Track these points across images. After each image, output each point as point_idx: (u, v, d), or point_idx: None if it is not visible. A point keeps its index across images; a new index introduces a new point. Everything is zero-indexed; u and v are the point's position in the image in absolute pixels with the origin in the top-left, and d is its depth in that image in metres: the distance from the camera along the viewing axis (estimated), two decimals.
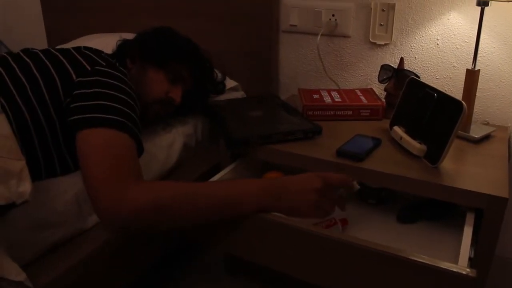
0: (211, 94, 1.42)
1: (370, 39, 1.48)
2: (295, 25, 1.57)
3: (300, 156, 1.10)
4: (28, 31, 2.29)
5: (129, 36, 1.34)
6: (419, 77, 1.27)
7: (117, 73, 1.03)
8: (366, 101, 1.34)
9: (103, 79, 1.00)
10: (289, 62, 1.65)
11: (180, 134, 1.32)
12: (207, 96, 1.41)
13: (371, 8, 1.45)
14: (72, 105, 0.96)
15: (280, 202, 0.91)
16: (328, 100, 1.34)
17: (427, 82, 1.38)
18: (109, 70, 1.03)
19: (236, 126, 1.19)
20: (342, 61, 1.55)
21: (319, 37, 1.51)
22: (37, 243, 0.91)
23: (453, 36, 1.37)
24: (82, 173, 0.88)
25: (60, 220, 0.95)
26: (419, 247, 0.99)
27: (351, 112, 1.32)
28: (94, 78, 1.00)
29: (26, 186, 0.80)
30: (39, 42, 2.23)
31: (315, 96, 1.37)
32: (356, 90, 1.43)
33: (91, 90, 0.97)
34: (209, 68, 1.37)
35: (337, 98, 1.35)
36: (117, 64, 1.10)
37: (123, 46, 1.30)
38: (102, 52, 1.17)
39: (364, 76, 1.53)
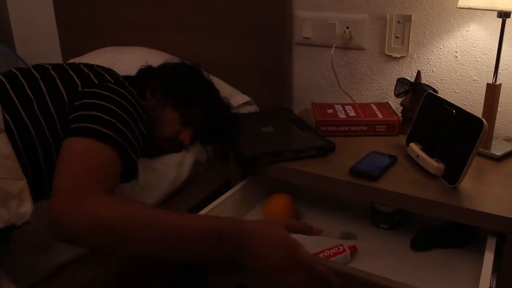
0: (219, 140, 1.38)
1: (386, 52, 1.44)
2: (309, 38, 1.54)
3: (312, 175, 1.06)
4: (44, 45, 2.32)
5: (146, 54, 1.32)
6: (437, 92, 1.23)
7: (122, 91, 1.01)
8: (381, 116, 1.29)
9: (106, 93, 0.98)
10: (303, 75, 1.62)
11: (190, 151, 1.30)
12: (215, 140, 1.38)
13: (387, 20, 1.41)
14: (71, 116, 0.94)
15: (244, 253, 0.79)
16: (342, 115, 1.30)
17: (445, 96, 1.35)
18: (115, 87, 1.00)
19: (246, 142, 1.16)
20: (356, 74, 1.51)
21: (333, 49, 1.47)
22: (44, 263, 0.89)
23: (472, 48, 1.32)
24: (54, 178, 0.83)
25: None
26: (435, 276, 0.94)
27: (366, 128, 1.28)
28: (98, 90, 0.98)
29: (26, 207, 0.78)
30: (54, 56, 2.25)
31: (329, 110, 1.33)
32: (371, 104, 1.39)
33: (92, 101, 0.95)
34: (225, 116, 1.33)
35: (352, 113, 1.31)
36: (129, 84, 1.08)
37: (146, 73, 1.30)
38: (114, 71, 1.15)
39: (380, 89, 1.49)
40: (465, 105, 1.37)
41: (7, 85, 0.97)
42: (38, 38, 2.35)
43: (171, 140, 1.24)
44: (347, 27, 1.47)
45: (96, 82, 1.01)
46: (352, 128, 1.28)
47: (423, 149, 1.09)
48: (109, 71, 1.10)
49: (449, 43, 1.35)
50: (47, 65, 1.08)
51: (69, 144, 0.88)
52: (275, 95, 1.62)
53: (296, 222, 0.89)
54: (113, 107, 0.95)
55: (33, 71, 1.03)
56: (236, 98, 1.53)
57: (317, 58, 1.57)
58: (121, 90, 1.01)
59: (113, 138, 0.90)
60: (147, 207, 0.83)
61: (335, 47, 1.49)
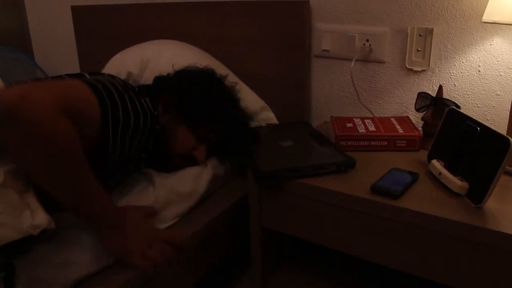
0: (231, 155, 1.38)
1: (407, 65, 1.42)
2: (328, 50, 1.53)
3: (332, 192, 1.04)
4: (62, 54, 2.34)
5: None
6: (459, 107, 1.20)
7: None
8: (402, 131, 1.27)
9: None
10: (321, 87, 1.60)
11: (208, 165, 1.29)
12: (229, 155, 1.37)
13: (408, 33, 1.39)
14: None
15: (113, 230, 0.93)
16: (362, 129, 1.28)
17: (467, 111, 1.33)
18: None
19: (265, 157, 1.14)
20: (376, 88, 1.49)
21: (353, 62, 1.46)
22: (60, 280, 0.89)
23: (496, 62, 1.30)
24: None
25: (83, 257, 0.93)
26: None
27: (386, 143, 1.26)
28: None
29: (41, 217, 0.80)
30: (72, 65, 2.28)
31: (349, 124, 1.31)
32: (391, 118, 1.37)
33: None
34: (240, 131, 1.31)
35: (372, 128, 1.29)
36: (142, 93, 1.11)
37: (160, 83, 1.31)
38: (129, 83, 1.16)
39: (400, 103, 1.47)
40: (488, 120, 1.34)
41: None
42: (57, 48, 2.38)
43: (186, 156, 1.24)
44: (367, 40, 1.45)
45: None
46: (372, 143, 1.26)
47: (445, 167, 1.06)
48: (124, 81, 1.14)
49: (472, 57, 1.33)
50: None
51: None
52: (294, 107, 1.60)
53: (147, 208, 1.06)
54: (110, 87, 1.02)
55: None
56: (259, 104, 1.55)
57: (336, 71, 1.55)
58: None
59: (99, 90, 0.97)
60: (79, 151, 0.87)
61: (355, 60, 1.47)
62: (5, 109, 0.78)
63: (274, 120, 1.56)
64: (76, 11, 2.14)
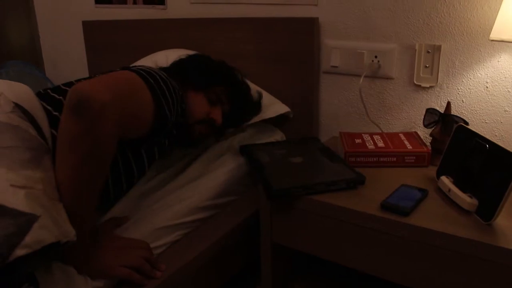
0: (249, 115, 1.48)
1: (415, 82, 1.43)
2: (337, 66, 1.55)
3: (343, 209, 1.05)
4: (72, 68, 2.38)
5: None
6: (467, 123, 1.21)
7: (161, 72, 1.13)
8: (410, 147, 1.28)
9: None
10: (330, 103, 1.62)
11: (223, 167, 1.32)
12: (245, 117, 1.47)
13: (416, 50, 1.41)
14: None
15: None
16: (371, 145, 1.29)
17: (475, 127, 1.34)
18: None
19: (276, 174, 1.15)
20: (385, 104, 1.51)
21: (361, 79, 1.48)
22: None
23: (504, 79, 1.31)
24: None
25: None
26: None
27: (395, 159, 1.27)
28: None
29: (70, 227, 0.82)
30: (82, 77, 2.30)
31: (357, 140, 1.33)
32: (399, 134, 1.38)
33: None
34: (245, 89, 1.41)
35: (380, 144, 1.30)
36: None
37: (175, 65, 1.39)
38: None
39: (408, 119, 1.48)
40: (496, 136, 1.35)
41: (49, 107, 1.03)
42: (67, 61, 2.42)
43: (204, 122, 1.31)
44: (376, 56, 1.47)
45: None
46: (381, 159, 1.27)
47: (454, 183, 1.07)
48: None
49: (479, 73, 1.34)
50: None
51: (124, 71, 1.04)
52: (303, 122, 1.62)
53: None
54: (150, 71, 1.09)
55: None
56: (275, 108, 1.58)
57: (344, 87, 1.57)
58: (157, 71, 1.13)
59: (151, 82, 1.03)
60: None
61: (364, 76, 1.49)
62: (80, 100, 0.84)
63: (286, 109, 1.60)
64: (87, 26, 2.18)
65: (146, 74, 1.06)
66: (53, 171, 0.87)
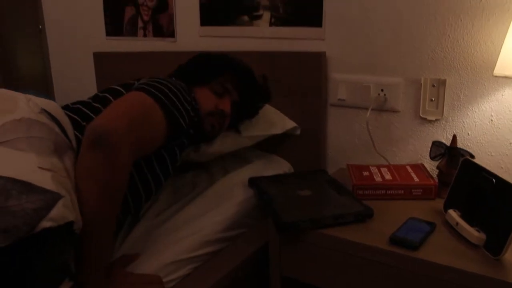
0: (259, 100, 1.52)
1: (421, 115, 1.46)
2: (344, 99, 1.58)
3: (351, 243, 1.06)
4: (82, 98, 2.41)
5: None
6: (473, 157, 1.23)
7: (170, 79, 1.21)
8: (417, 180, 1.30)
9: (155, 79, 1.20)
10: (337, 135, 1.64)
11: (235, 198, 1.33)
12: (256, 102, 1.52)
13: (421, 84, 1.43)
14: None
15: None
16: (378, 178, 1.31)
17: (481, 159, 1.36)
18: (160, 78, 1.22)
19: (285, 207, 1.17)
20: (391, 136, 1.53)
21: (368, 112, 1.50)
22: None
23: (508, 112, 1.33)
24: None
25: None
26: None
27: (402, 192, 1.28)
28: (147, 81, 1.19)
29: (79, 214, 0.87)
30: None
31: (365, 173, 1.34)
32: (406, 166, 1.40)
33: (146, 81, 1.17)
34: (250, 76, 1.45)
35: (388, 176, 1.32)
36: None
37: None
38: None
39: (415, 151, 1.50)
40: (502, 168, 1.37)
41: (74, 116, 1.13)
42: (78, 91, 2.46)
43: (213, 114, 1.36)
44: (382, 90, 1.50)
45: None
46: (389, 192, 1.28)
47: (462, 217, 1.08)
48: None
49: (484, 107, 1.37)
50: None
51: (134, 93, 1.10)
52: (311, 153, 1.64)
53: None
54: (158, 85, 1.15)
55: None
56: (283, 123, 1.61)
57: (351, 119, 1.60)
58: (167, 79, 1.21)
59: (160, 98, 1.10)
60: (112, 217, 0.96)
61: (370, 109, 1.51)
62: (97, 136, 0.93)
63: (293, 124, 1.63)
64: (98, 57, 2.23)
65: (155, 90, 1.12)
66: (73, 167, 0.95)
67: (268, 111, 1.62)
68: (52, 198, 0.79)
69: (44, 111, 0.98)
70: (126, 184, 0.98)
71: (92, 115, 1.14)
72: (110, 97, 1.21)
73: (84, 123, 1.10)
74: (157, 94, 1.11)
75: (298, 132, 1.66)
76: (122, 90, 1.24)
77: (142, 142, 1.04)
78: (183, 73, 1.41)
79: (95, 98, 1.23)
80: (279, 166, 1.59)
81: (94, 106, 1.17)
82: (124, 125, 0.96)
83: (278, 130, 1.58)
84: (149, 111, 1.08)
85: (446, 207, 1.15)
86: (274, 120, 1.60)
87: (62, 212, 0.80)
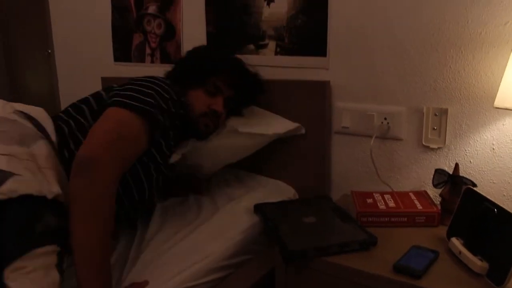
0: (254, 89, 1.58)
1: (423, 143, 1.48)
2: (347, 127, 1.61)
3: (356, 271, 1.08)
4: None
5: None
6: (475, 185, 1.25)
7: (149, 78, 1.29)
8: (421, 207, 1.32)
9: (132, 81, 1.28)
10: (341, 162, 1.67)
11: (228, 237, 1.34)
12: (251, 94, 1.58)
13: (423, 113, 1.46)
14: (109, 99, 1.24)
15: None
16: (382, 205, 1.33)
17: (483, 187, 1.38)
18: (141, 77, 1.31)
19: (290, 235, 1.19)
20: (394, 163, 1.56)
21: (372, 140, 1.53)
22: None
23: (509, 141, 1.36)
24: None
25: None
26: None
27: (406, 219, 1.30)
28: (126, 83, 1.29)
29: (56, 187, 0.99)
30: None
31: (369, 200, 1.37)
32: (409, 194, 1.42)
33: (123, 87, 1.26)
34: (242, 70, 1.53)
35: (391, 204, 1.34)
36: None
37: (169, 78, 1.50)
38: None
39: (417, 178, 1.53)
40: (504, 196, 1.39)
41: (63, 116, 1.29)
42: None
43: (207, 114, 1.43)
44: (385, 118, 1.53)
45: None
46: (392, 219, 1.30)
47: (465, 245, 1.10)
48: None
49: (485, 135, 1.39)
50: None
51: (110, 111, 1.17)
52: (315, 179, 1.67)
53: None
54: (139, 88, 1.24)
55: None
56: (285, 125, 1.63)
57: (355, 147, 1.62)
58: (147, 77, 1.30)
59: (142, 109, 1.17)
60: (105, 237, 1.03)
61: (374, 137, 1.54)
62: (83, 166, 1.04)
63: (296, 125, 1.65)
64: (106, 81, 2.27)
65: (129, 99, 1.19)
66: (48, 153, 1.07)
67: (270, 116, 1.66)
68: (3, 176, 0.91)
69: (20, 112, 1.14)
70: (114, 203, 1.07)
71: (78, 117, 1.27)
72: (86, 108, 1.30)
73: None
74: (131, 102, 1.18)
75: (303, 131, 1.66)
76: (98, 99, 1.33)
77: (127, 158, 1.16)
78: (178, 78, 1.47)
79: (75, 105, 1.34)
80: (284, 192, 1.61)
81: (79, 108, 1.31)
82: (108, 152, 1.07)
83: (279, 129, 1.59)
84: (128, 126, 1.17)
85: (449, 235, 1.17)
86: (275, 122, 1.63)
87: (13, 186, 0.91)
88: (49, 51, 2.81)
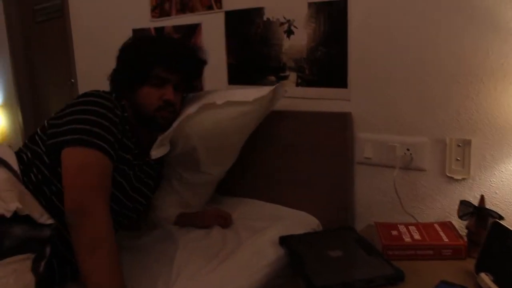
0: (198, 65, 1.54)
1: (447, 173, 1.48)
2: (370, 158, 1.61)
3: None
4: None
5: None
6: (502, 218, 1.24)
7: (88, 98, 1.33)
8: (447, 240, 1.31)
9: (70, 109, 1.29)
10: (364, 192, 1.67)
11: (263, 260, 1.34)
12: (196, 70, 1.54)
13: (446, 144, 1.46)
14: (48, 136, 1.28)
15: None
16: (407, 238, 1.32)
17: (511, 219, 1.36)
18: (80, 99, 1.32)
19: (316, 269, 1.19)
20: (418, 194, 1.55)
21: (396, 172, 1.53)
22: None
23: None
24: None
25: None
26: None
27: (432, 252, 1.29)
28: (65, 111, 1.30)
29: (13, 204, 1.05)
30: None
31: (394, 232, 1.36)
32: (435, 225, 1.41)
33: (64, 120, 1.27)
34: (176, 51, 1.46)
35: (417, 236, 1.33)
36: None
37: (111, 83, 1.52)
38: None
39: (442, 209, 1.52)
40: None
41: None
42: None
43: (161, 107, 1.42)
44: (408, 149, 1.53)
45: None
46: (418, 252, 1.29)
47: (495, 281, 1.09)
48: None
49: (510, 166, 1.38)
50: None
51: (68, 155, 1.22)
52: (338, 210, 1.67)
53: None
54: (78, 116, 1.26)
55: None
56: (263, 89, 1.61)
57: (378, 177, 1.63)
58: (86, 98, 1.33)
59: (98, 144, 1.22)
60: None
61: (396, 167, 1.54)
62: (75, 216, 1.14)
63: (271, 89, 1.61)
64: None
65: (80, 135, 1.22)
66: (8, 177, 1.15)
67: (248, 87, 1.72)
68: None
69: None
70: (112, 230, 1.18)
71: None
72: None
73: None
74: (81, 137, 1.22)
75: (285, 93, 1.66)
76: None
77: (105, 185, 1.23)
78: (120, 85, 1.47)
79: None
80: (307, 223, 1.61)
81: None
82: (88, 195, 1.16)
83: (257, 94, 1.57)
84: (91, 164, 1.22)
85: (478, 269, 1.16)
86: (253, 91, 1.61)
87: None
88: (72, 80, 2.89)
